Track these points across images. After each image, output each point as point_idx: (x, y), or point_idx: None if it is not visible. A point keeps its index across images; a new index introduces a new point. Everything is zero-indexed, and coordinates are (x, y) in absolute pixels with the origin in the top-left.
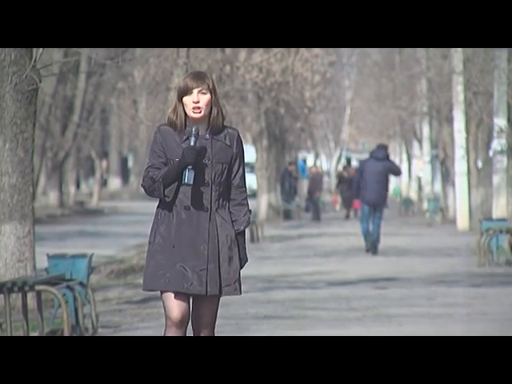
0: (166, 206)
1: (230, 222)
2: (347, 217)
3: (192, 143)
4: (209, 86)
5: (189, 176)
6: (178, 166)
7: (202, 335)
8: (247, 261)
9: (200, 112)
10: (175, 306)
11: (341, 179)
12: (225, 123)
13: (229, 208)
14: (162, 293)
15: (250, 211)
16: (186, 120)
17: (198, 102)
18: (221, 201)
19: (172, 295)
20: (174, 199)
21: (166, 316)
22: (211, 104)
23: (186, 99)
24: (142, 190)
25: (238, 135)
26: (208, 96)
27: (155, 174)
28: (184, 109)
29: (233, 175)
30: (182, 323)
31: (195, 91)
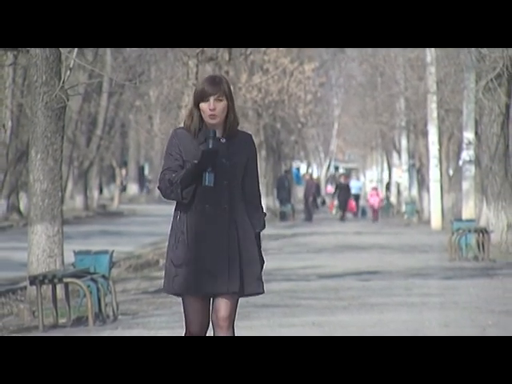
0: (184, 208)
1: (248, 223)
2: (343, 219)
3: (210, 145)
4: (225, 92)
5: (209, 178)
6: (197, 168)
7: (220, 330)
8: (264, 262)
9: (216, 119)
10: (194, 313)
11: (338, 185)
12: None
13: (245, 209)
14: (182, 297)
15: (265, 214)
16: (201, 124)
17: (214, 110)
18: (238, 202)
19: (191, 300)
20: (193, 201)
21: (186, 320)
22: (227, 109)
23: (202, 105)
24: (159, 192)
25: (252, 140)
26: (224, 102)
27: (172, 177)
28: (200, 113)
29: (247, 178)
30: (201, 330)
31: (211, 98)
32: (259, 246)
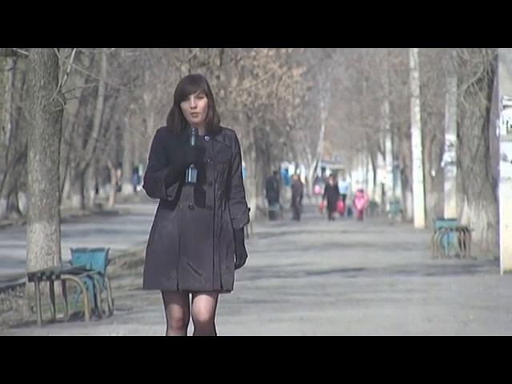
0: (168, 206)
1: (230, 221)
2: (332, 218)
3: (192, 143)
4: (204, 90)
5: (192, 174)
6: (180, 165)
7: (202, 330)
8: (247, 256)
9: (198, 117)
10: (176, 309)
11: (327, 186)
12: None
13: (228, 206)
14: (163, 292)
15: (249, 209)
16: (183, 123)
17: (195, 108)
18: (223, 200)
19: (173, 296)
20: (177, 199)
21: (167, 317)
22: (208, 107)
23: (183, 105)
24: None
25: (236, 136)
26: (205, 100)
27: (156, 175)
28: (181, 113)
29: (232, 174)
30: (184, 324)
31: (192, 97)
32: (243, 240)
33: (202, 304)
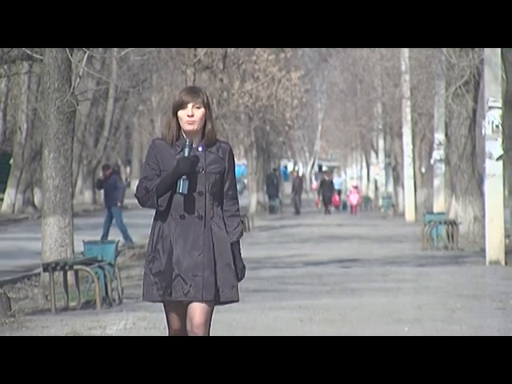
0: (161, 215)
1: (225, 230)
2: (328, 212)
3: (186, 154)
4: (203, 101)
5: (183, 186)
6: (173, 176)
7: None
8: (245, 268)
9: (193, 125)
10: (175, 319)
11: (322, 182)
12: (221, 138)
13: (223, 217)
14: (163, 302)
15: (242, 221)
16: (179, 134)
17: (192, 116)
18: (215, 209)
19: (172, 306)
20: (169, 208)
21: (168, 326)
22: (205, 118)
23: (180, 113)
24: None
25: (230, 149)
26: (202, 110)
27: (149, 185)
28: (178, 122)
29: (225, 187)
30: (183, 334)
31: (190, 105)
32: (239, 253)
33: (194, 314)
